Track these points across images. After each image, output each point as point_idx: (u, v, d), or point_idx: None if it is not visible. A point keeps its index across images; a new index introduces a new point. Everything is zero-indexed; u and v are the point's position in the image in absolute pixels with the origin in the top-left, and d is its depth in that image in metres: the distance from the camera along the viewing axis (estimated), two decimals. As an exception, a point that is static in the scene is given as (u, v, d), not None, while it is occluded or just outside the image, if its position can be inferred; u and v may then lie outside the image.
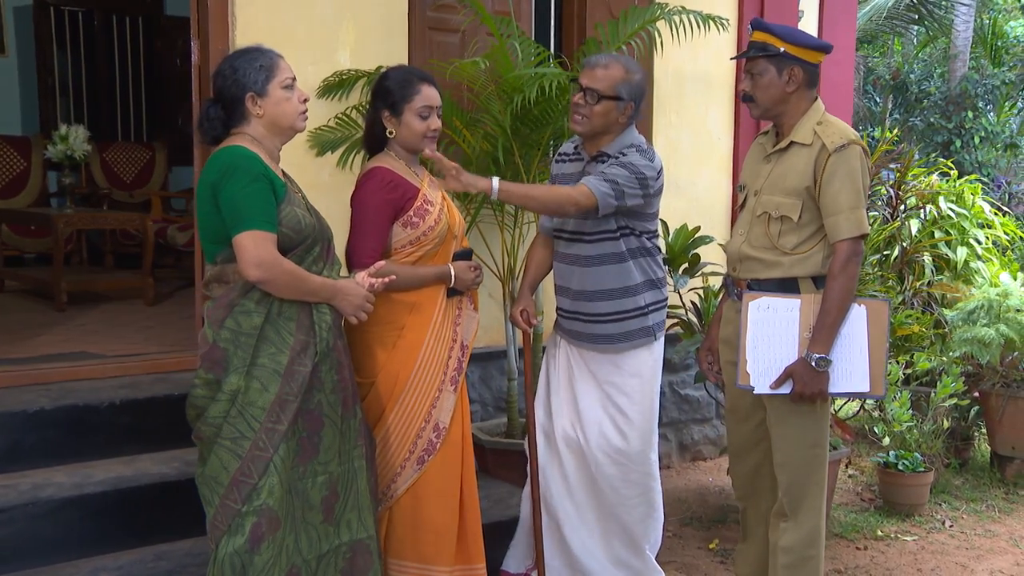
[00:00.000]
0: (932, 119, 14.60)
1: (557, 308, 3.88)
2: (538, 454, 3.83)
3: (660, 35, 4.69)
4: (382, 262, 3.34)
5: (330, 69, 4.67)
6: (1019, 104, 17.58)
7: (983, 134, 14.76)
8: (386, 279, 3.25)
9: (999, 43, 18.05)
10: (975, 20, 16.00)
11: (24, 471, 3.81)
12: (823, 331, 3.31)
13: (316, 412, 3.09)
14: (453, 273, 3.52)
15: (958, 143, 14.31)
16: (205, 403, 2.98)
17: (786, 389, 3.37)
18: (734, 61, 5.82)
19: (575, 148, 3.81)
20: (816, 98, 3.47)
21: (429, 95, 3.50)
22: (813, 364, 3.30)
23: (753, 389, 3.42)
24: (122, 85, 9.72)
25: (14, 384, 4.22)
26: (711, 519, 5.09)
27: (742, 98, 3.62)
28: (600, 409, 3.76)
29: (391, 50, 4.86)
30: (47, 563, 3.55)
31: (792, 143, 3.42)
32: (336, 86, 4.67)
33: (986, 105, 14.87)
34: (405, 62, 4.89)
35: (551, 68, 4.42)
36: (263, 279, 2.92)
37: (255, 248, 2.89)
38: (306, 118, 3.16)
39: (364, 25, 4.78)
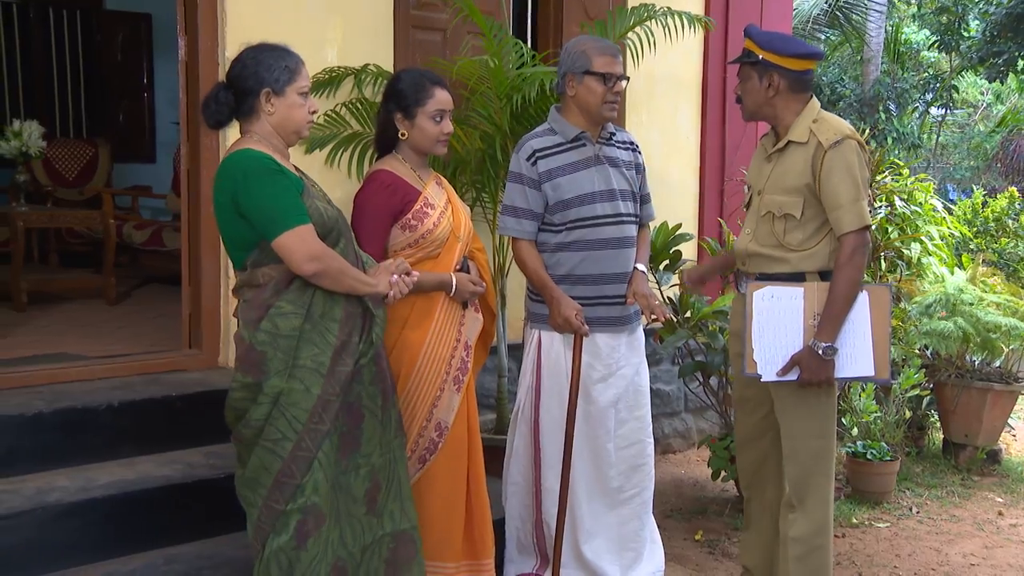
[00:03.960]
0: (848, 120, 15.02)
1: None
2: (549, 460, 3.80)
3: (652, 35, 4.72)
4: (403, 260, 3.28)
5: (318, 66, 4.59)
6: (920, 107, 18.21)
7: (895, 135, 15.23)
8: (413, 278, 3.18)
9: (902, 49, 18.64)
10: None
11: (24, 476, 3.66)
12: (829, 321, 3.36)
13: (356, 404, 3.05)
14: (455, 283, 3.50)
15: (873, 144, 14.72)
16: (245, 405, 2.91)
17: (792, 376, 3.42)
18: (702, 61, 5.91)
19: (573, 138, 3.73)
20: (810, 98, 3.52)
21: (442, 98, 3.48)
22: (820, 352, 3.35)
23: (760, 377, 3.47)
24: (60, 80, 9.38)
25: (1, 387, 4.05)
26: (691, 511, 5.14)
27: (736, 100, 3.67)
28: (615, 401, 3.81)
29: (377, 48, 4.82)
30: (57, 569, 3.40)
31: (790, 142, 3.47)
32: (324, 83, 4.60)
33: (897, 108, 15.36)
34: (390, 60, 4.86)
35: (542, 68, 4.43)
36: (318, 271, 2.86)
37: (303, 244, 2.84)
38: (311, 127, 3.12)
39: (351, 23, 4.72)
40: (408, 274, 3.14)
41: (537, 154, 3.74)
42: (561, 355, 3.78)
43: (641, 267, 3.83)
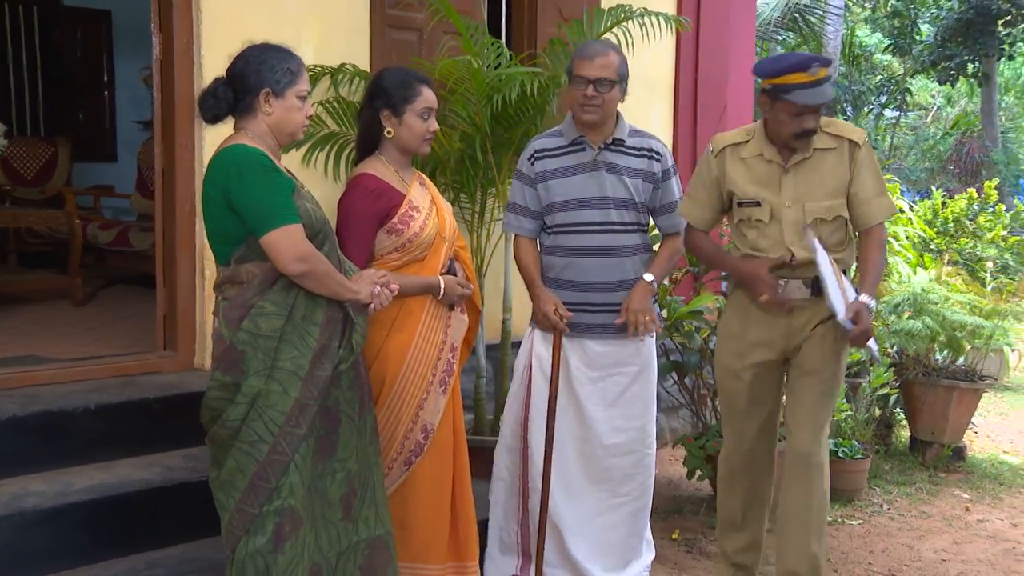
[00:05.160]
0: (806, 122, 15.17)
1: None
2: (535, 458, 3.80)
3: (630, 35, 4.74)
4: (385, 272, 3.27)
5: (294, 65, 4.55)
6: (874, 109, 18.50)
7: (852, 137, 15.44)
8: (393, 287, 3.19)
9: (857, 51, 18.92)
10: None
11: (-1, 481, 3.61)
12: (874, 285, 3.59)
13: (334, 409, 3.05)
14: (443, 287, 3.49)
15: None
16: (222, 405, 2.89)
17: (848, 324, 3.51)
18: (674, 62, 5.98)
19: (571, 141, 3.74)
20: None
21: (429, 96, 3.48)
22: (870, 307, 3.53)
23: (838, 315, 3.49)
24: (17, 78, 9.20)
25: (-29, 390, 3.98)
26: (667, 510, 5.16)
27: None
28: (607, 406, 3.79)
29: (353, 47, 4.81)
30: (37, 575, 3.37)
31: (815, 150, 3.60)
32: (301, 82, 4.56)
33: (853, 110, 15.59)
34: (367, 59, 4.83)
35: (521, 68, 4.43)
36: (304, 272, 2.86)
37: (292, 243, 2.84)
38: (304, 131, 3.13)
39: (328, 21, 4.69)
40: (388, 285, 3.15)
41: (537, 154, 3.78)
42: (548, 354, 3.78)
43: (648, 277, 3.73)
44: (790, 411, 3.76)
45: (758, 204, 3.65)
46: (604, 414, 3.79)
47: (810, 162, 3.60)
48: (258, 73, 2.93)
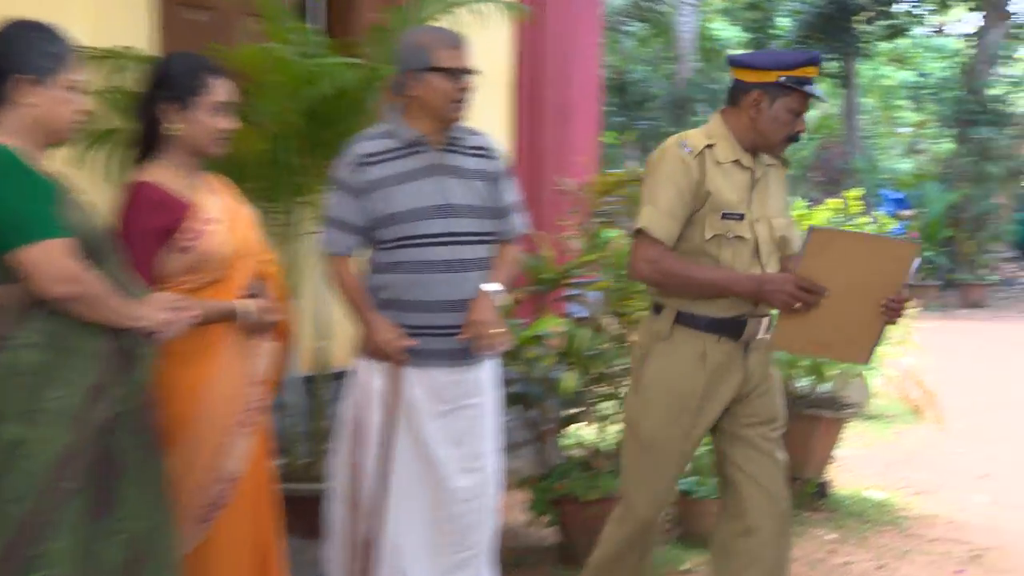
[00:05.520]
0: (659, 123, 15.58)
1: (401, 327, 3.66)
2: (369, 508, 3.70)
3: (460, 23, 4.70)
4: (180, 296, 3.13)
5: (63, 48, 4.33)
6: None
7: (708, 140, 15.97)
8: (193, 314, 3.08)
9: (710, 46, 19.59)
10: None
11: None
12: None
13: (113, 459, 2.89)
14: (244, 311, 3.38)
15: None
16: None
17: None
18: (513, 56, 5.97)
19: (409, 143, 3.63)
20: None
21: (223, 89, 3.39)
22: None
23: None
24: None
25: None
26: (507, 563, 4.99)
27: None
28: (455, 444, 3.71)
29: (136, 28, 4.62)
30: None
31: (767, 165, 3.65)
32: (71, 69, 4.35)
33: (711, 109, 16.10)
34: (151, 42, 4.70)
35: (337, 59, 4.34)
36: (71, 296, 2.73)
37: (52, 261, 2.71)
38: (75, 129, 3.00)
39: (102, -4, 4.48)
40: (185, 309, 3.04)
41: (366, 159, 3.64)
42: (388, 388, 3.67)
43: (490, 287, 3.66)
44: (756, 466, 3.66)
45: (740, 217, 3.55)
46: (451, 453, 3.71)
47: (767, 176, 3.64)
48: (9, 57, 2.79)
